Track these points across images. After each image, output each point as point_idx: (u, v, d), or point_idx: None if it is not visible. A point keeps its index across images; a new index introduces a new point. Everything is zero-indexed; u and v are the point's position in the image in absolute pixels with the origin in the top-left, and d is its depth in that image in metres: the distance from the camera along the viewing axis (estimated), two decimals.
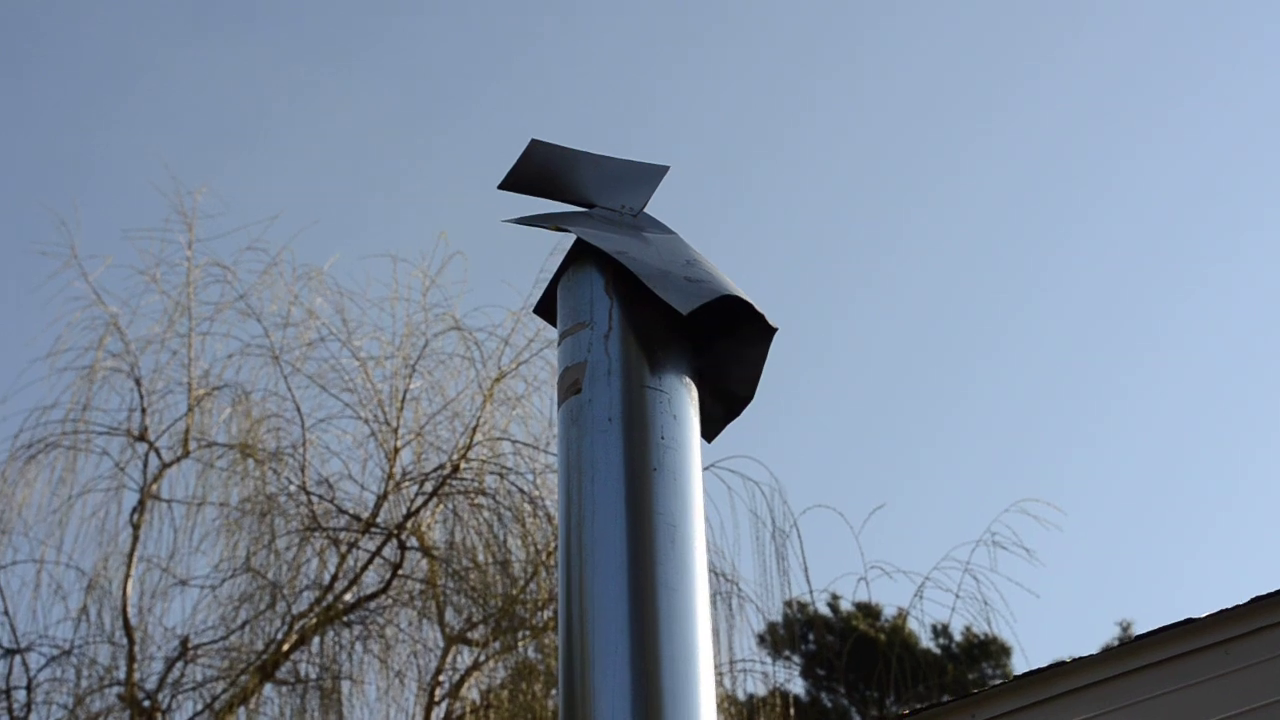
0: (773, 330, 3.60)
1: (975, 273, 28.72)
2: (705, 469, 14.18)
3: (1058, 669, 3.21)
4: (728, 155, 26.41)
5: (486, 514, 14.46)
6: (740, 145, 27.07)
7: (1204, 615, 3.18)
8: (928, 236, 28.58)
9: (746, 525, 14.18)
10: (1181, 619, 3.18)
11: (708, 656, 3.22)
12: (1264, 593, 3.18)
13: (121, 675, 13.98)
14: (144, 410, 14.85)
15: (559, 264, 3.71)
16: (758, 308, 3.57)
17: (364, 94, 24.37)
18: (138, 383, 14.94)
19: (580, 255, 3.64)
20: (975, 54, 29.43)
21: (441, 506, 14.59)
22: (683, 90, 27.53)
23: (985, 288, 28.81)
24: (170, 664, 14.13)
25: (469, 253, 15.50)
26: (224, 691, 13.91)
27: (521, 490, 14.43)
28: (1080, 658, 3.23)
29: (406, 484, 14.61)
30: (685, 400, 3.48)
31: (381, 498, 14.49)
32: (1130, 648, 3.20)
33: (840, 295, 27.38)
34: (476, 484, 14.61)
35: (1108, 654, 3.20)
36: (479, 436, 14.69)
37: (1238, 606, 3.18)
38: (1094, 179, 30.54)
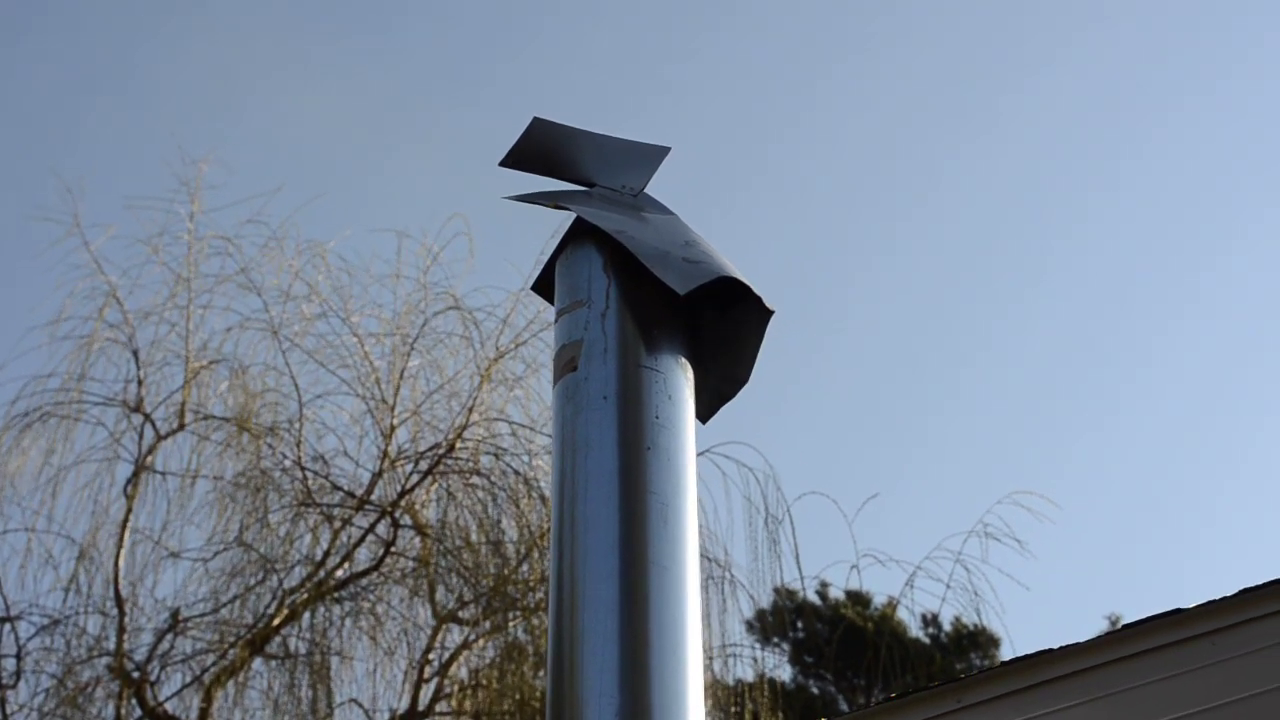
0: (770, 313, 3.60)
1: (974, 265, 28.74)
2: (700, 454, 14.22)
3: (1045, 656, 3.22)
4: (732, 141, 26.40)
5: (480, 494, 14.47)
6: (745, 132, 27.06)
7: (1191, 606, 3.19)
8: (927, 229, 28.59)
9: (740, 511, 14.22)
10: (1169, 609, 3.19)
11: (697, 636, 3.22)
12: (1251, 585, 3.19)
13: (111, 646, 14.00)
14: (141, 382, 14.86)
15: (558, 242, 3.72)
16: (755, 290, 3.58)
17: (371, 68, 24.36)
18: (135, 354, 14.94)
19: (579, 234, 3.65)
20: (984, 45, 29.43)
21: (436, 485, 14.61)
22: (688, 76, 27.52)
23: (984, 280, 28.82)
24: (160, 636, 14.15)
25: (472, 232, 15.50)
26: (213, 664, 13.94)
27: (516, 471, 14.45)
28: (1067, 645, 3.24)
29: (401, 462, 14.62)
30: (681, 380, 3.49)
31: (376, 475, 14.50)
32: (1117, 636, 3.22)
33: (838, 284, 27.39)
34: (471, 464, 14.63)
35: (1095, 642, 3.21)
36: (475, 416, 14.70)
37: (1225, 598, 3.20)
38: (1095, 175, 30.56)
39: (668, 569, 3.21)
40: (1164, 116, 31.29)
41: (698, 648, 3.19)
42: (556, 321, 3.59)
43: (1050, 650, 3.23)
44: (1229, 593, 3.15)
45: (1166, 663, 3.16)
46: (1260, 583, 3.20)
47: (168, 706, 13.95)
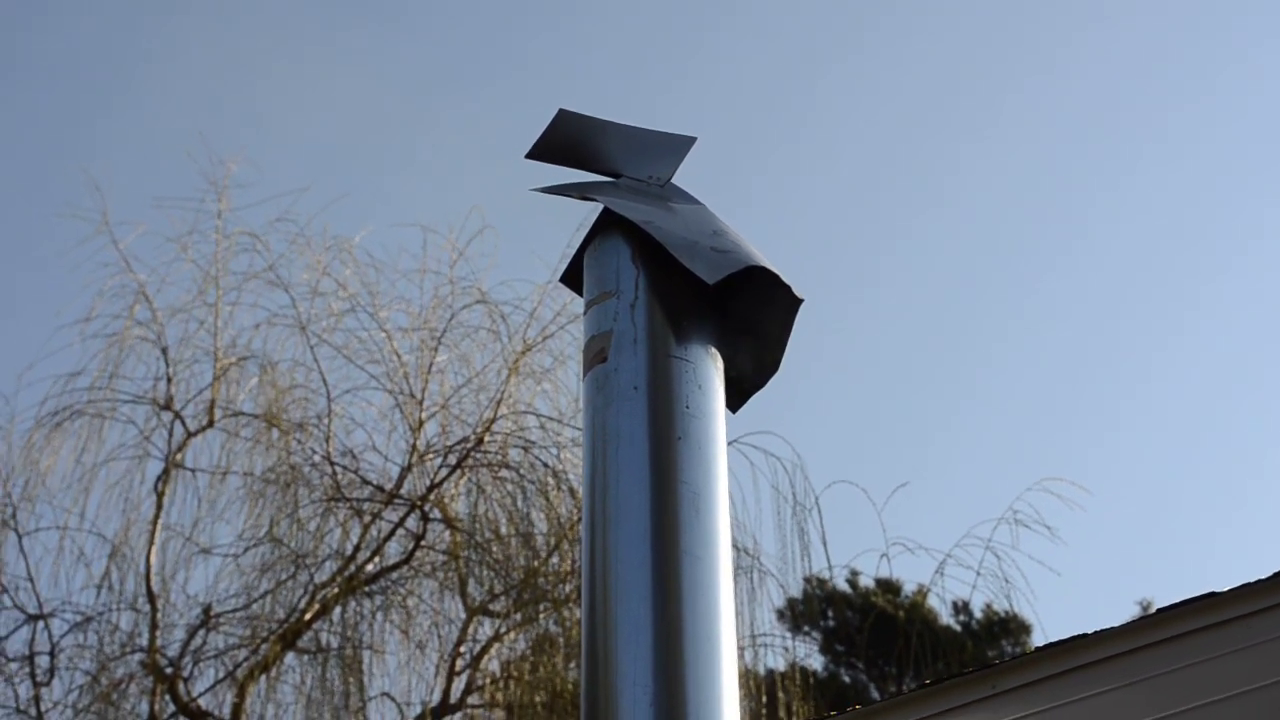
0: (799, 301, 3.60)
1: (1001, 251, 28.70)
2: (728, 444, 14.23)
3: (1078, 641, 3.22)
4: (757, 128, 26.38)
5: (510, 487, 14.49)
6: (770, 119, 27.04)
7: (1225, 590, 3.19)
8: (953, 214, 28.54)
9: (768, 500, 14.22)
10: (1203, 593, 3.19)
11: (730, 624, 3.23)
12: None
13: (144, 642, 14.05)
14: (170, 379, 14.90)
15: (585, 234, 3.72)
16: (784, 278, 3.58)
17: (396, 62, 24.39)
18: (164, 352, 14.99)
19: (607, 225, 3.65)
20: (1006, 30, 29.37)
21: (465, 479, 14.62)
22: (712, 63, 27.50)
23: (1011, 265, 28.78)
24: (192, 632, 14.19)
25: (497, 225, 15.52)
26: (245, 659, 13.98)
27: (545, 464, 14.47)
28: (1101, 630, 3.24)
29: (430, 456, 14.64)
30: (710, 370, 3.49)
31: (405, 469, 14.52)
32: (1151, 621, 3.21)
33: (865, 271, 27.37)
34: (500, 457, 14.64)
35: (1129, 627, 3.21)
36: (503, 410, 14.71)
37: (1259, 581, 3.18)
38: (1120, 156, 30.49)
39: (700, 558, 3.21)
40: (1196, 90, 31.19)
41: (731, 636, 3.19)
42: (586, 313, 3.59)
43: (1084, 635, 3.22)
44: (1263, 575, 3.15)
45: (1201, 647, 3.14)
46: None
47: (201, 702, 14.01)
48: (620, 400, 3.38)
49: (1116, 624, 3.19)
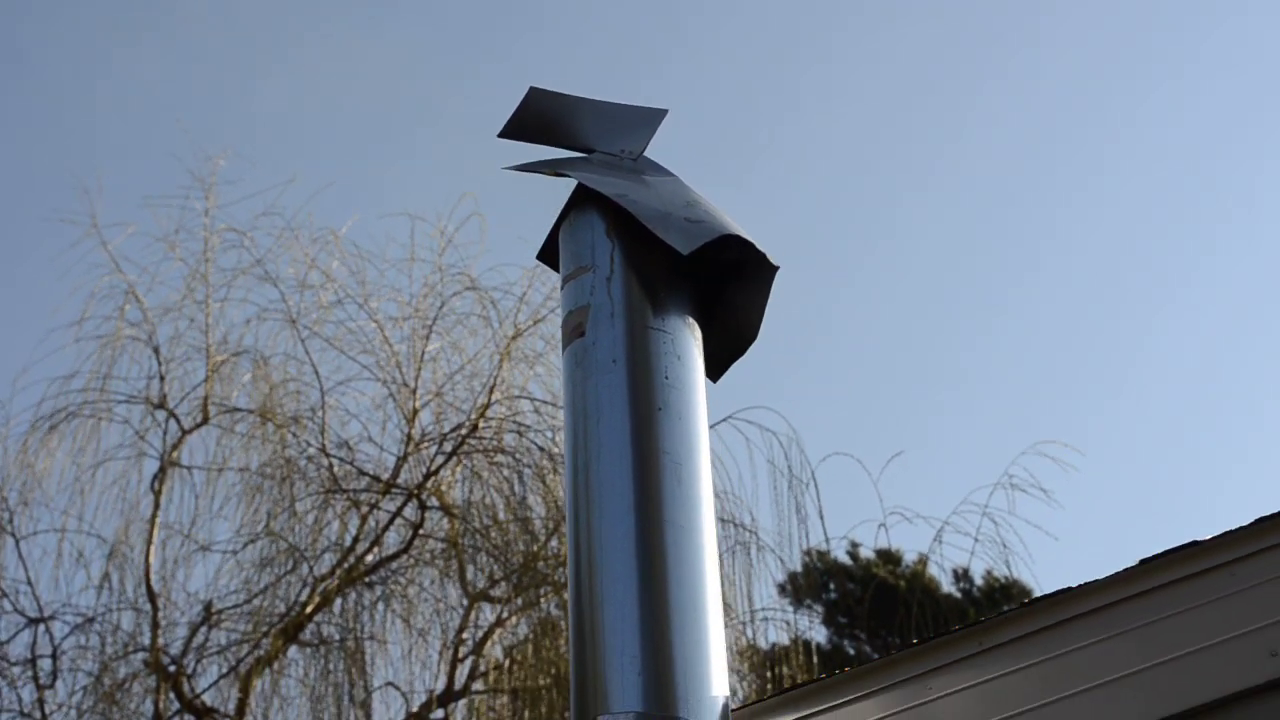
0: (775, 268, 3.62)
1: (993, 220, 28.69)
2: (722, 420, 14.13)
3: (1064, 594, 3.23)
4: (752, 96, 26.36)
5: (506, 472, 14.50)
6: (765, 88, 27.02)
7: (1208, 538, 3.20)
8: (946, 185, 28.54)
9: (764, 475, 14.22)
10: (1186, 541, 3.21)
11: (716, 592, 3.25)
12: (1267, 514, 3.20)
13: (146, 641, 14.05)
14: (163, 378, 14.90)
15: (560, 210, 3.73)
16: (759, 247, 3.59)
17: (378, 47, 24.35)
18: (156, 351, 14.98)
19: (581, 200, 3.67)
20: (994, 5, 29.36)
21: (461, 466, 14.63)
22: (702, 39, 27.48)
23: (1003, 234, 28.77)
24: (194, 629, 14.19)
25: (484, 211, 15.50)
26: (248, 655, 13.98)
27: (540, 447, 14.47)
28: (1086, 583, 3.25)
29: (426, 444, 14.65)
30: (689, 340, 3.51)
31: (401, 459, 14.52)
32: (1136, 572, 3.22)
33: (858, 243, 27.37)
34: (495, 442, 14.65)
35: (1114, 578, 3.22)
36: (497, 395, 14.71)
37: (1242, 528, 3.20)
38: (1113, 123, 30.49)
39: (684, 528, 3.23)
40: (1185, 56, 31.19)
41: (718, 604, 3.21)
42: (563, 288, 3.61)
43: (1069, 589, 3.24)
44: (1244, 523, 3.17)
45: (1187, 595, 3.16)
46: (1275, 511, 3.21)
47: (205, 698, 14.01)
48: (599, 374, 3.40)
49: (1100, 576, 3.21)
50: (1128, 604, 3.20)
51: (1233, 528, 3.21)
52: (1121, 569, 3.23)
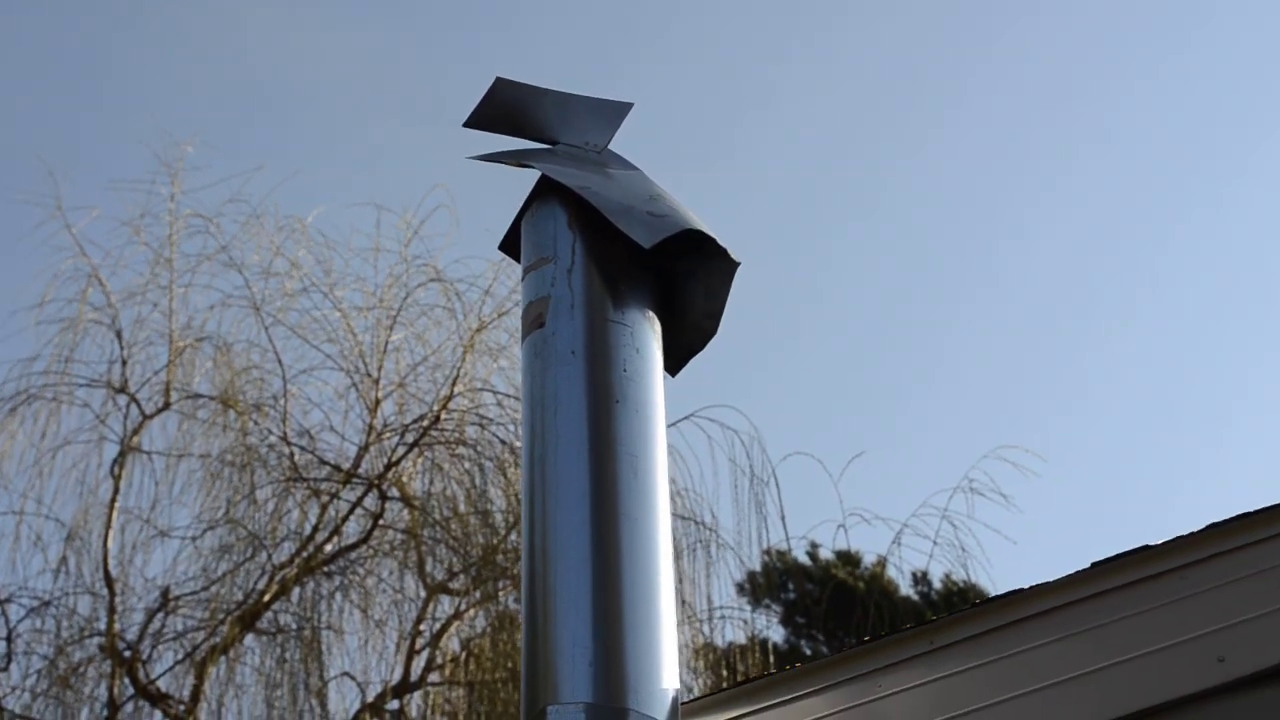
0: (736, 264, 3.62)
1: (956, 221, 28.74)
2: (684, 418, 14.21)
3: (1016, 595, 3.25)
4: (712, 101, 26.36)
5: (467, 464, 14.49)
6: (726, 91, 27.03)
7: (1160, 542, 3.22)
8: (909, 186, 28.58)
9: (725, 474, 14.22)
10: (1138, 545, 3.22)
11: (669, 586, 3.25)
12: (1218, 520, 3.22)
13: (102, 626, 14.00)
14: (125, 362, 14.85)
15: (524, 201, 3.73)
16: (721, 242, 3.60)
17: (347, 37, 24.30)
18: (119, 335, 14.93)
19: (544, 191, 3.67)
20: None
21: (422, 457, 14.61)
22: (667, 35, 27.50)
23: (966, 236, 28.83)
24: (151, 615, 14.14)
25: (452, 203, 15.49)
26: (204, 642, 13.94)
27: (502, 440, 14.46)
28: (1038, 584, 3.27)
29: (388, 435, 14.63)
30: (648, 334, 3.51)
31: (363, 449, 14.50)
32: (1088, 574, 3.24)
33: (822, 243, 27.39)
34: (457, 434, 14.64)
35: (1066, 580, 3.24)
36: (460, 387, 14.70)
37: (1193, 533, 3.22)
38: (1081, 127, 30.57)
39: (639, 520, 3.23)
40: (1162, 50, 31.29)
41: (670, 596, 3.21)
42: (524, 279, 3.61)
43: (1021, 590, 3.25)
44: (1196, 528, 3.19)
45: (1138, 598, 3.18)
46: (1226, 518, 3.23)
47: (160, 684, 13.96)
48: (558, 365, 3.40)
49: (1052, 578, 3.23)
50: (1079, 606, 3.22)
51: (1184, 533, 3.23)
52: (1074, 571, 3.25)
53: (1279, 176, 31.36)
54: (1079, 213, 29.38)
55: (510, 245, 3.75)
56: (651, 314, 3.54)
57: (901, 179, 28.36)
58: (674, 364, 3.68)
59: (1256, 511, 3.24)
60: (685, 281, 3.65)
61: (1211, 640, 3.08)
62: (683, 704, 3.19)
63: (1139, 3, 29.76)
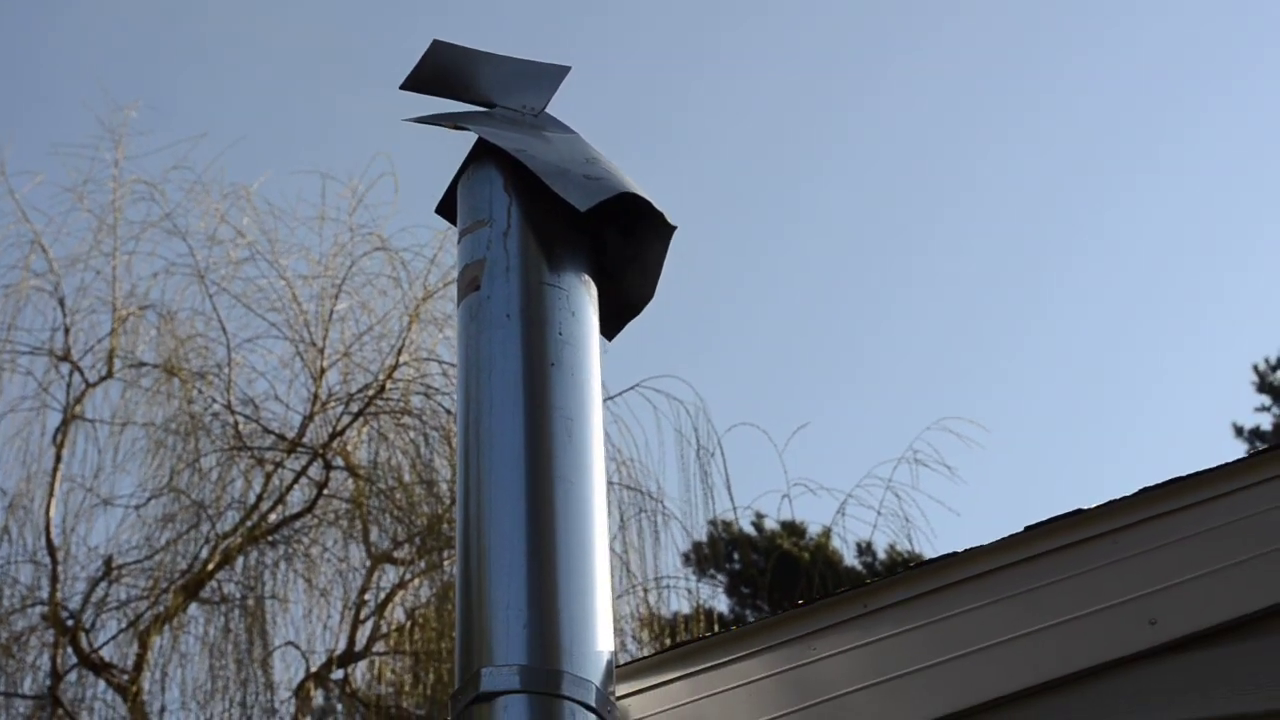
0: (672, 228, 3.62)
1: (897, 192, 28.81)
2: (630, 388, 14.19)
3: (950, 559, 3.26)
4: (668, 70, 26.36)
5: (412, 434, 14.46)
6: (670, 57, 27.02)
7: (1092, 506, 3.23)
8: (851, 160, 28.65)
9: (671, 444, 14.22)
10: (1071, 510, 3.23)
11: (604, 549, 3.25)
12: (1150, 484, 3.23)
13: (45, 595, 13.95)
14: (68, 330, 14.77)
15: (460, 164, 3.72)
16: (657, 205, 3.60)
17: (294, 2, 24.20)
18: (61, 302, 14.85)
19: (480, 154, 3.66)
20: None
21: (367, 426, 14.58)
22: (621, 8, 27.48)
23: (906, 207, 28.92)
24: (94, 584, 14.10)
25: (398, 171, 15.41)
26: (148, 611, 13.90)
27: (448, 410, 14.43)
28: (972, 548, 3.27)
29: (332, 404, 14.59)
30: (584, 298, 3.51)
31: (307, 418, 14.47)
32: (1021, 539, 3.25)
33: (767, 214, 27.42)
34: (403, 404, 14.61)
35: (999, 544, 3.25)
36: (405, 357, 14.67)
37: (1125, 498, 3.23)
38: (1020, 98, 30.67)
39: (573, 483, 3.23)
40: (1107, 35, 31.41)
41: (605, 559, 3.21)
42: (459, 242, 3.60)
43: (955, 554, 3.26)
44: (1128, 493, 3.20)
45: (1070, 561, 3.19)
46: (1158, 482, 3.24)
47: (103, 654, 13.92)
48: (493, 328, 3.40)
49: (986, 542, 3.23)
50: (1012, 569, 3.23)
51: (1116, 497, 3.24)
52: (1006, 535, 3.26)
53: (1217, 144, 31.57)
54: (1018, 182, 29.51)
55: (447, 209, 3.74)
56: (588, 278, 3.54)
57: (846, 147, 28.43)
58: (611, 328, 3.68)
59: (1188, 476, 3.25)
60: (622, 246, 3.64)
61: (1143, 603, 3.09)
62: (618, 667, 3.19)
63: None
